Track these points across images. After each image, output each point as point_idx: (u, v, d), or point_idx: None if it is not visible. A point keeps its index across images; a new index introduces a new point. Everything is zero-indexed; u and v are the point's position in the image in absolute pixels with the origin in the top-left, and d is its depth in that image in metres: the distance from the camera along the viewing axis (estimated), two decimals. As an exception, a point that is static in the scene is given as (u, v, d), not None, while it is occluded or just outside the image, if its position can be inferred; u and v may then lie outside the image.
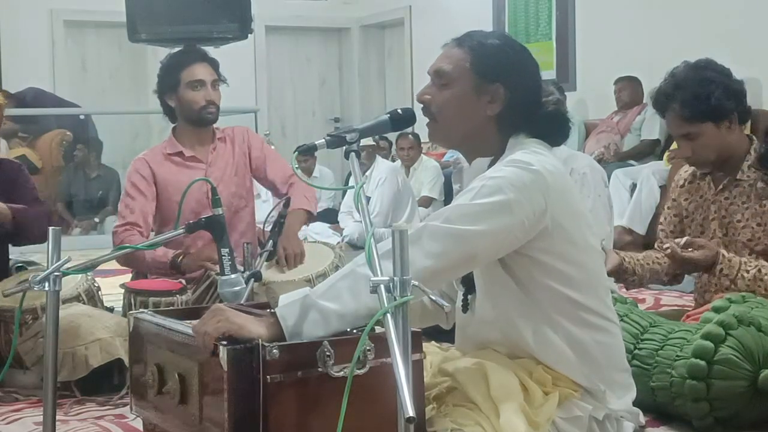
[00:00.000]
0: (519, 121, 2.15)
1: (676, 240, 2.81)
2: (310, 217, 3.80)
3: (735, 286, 2.74)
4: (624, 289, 3.19)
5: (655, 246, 3.14)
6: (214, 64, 3.75)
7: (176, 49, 4.05)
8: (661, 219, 3.15)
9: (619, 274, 2.88)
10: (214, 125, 3.81)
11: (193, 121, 3.73)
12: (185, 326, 2.04)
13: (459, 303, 2.25)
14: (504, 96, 2.13)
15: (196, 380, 1.95)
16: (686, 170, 3.09)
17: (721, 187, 2.92)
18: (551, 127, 2.19)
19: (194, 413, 1.96)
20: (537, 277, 2.08)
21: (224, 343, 1.84)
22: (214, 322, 1.88)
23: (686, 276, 3.08)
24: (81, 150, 9.13)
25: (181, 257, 3.48)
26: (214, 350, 1.85)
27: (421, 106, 2.20)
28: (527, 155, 2.06)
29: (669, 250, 2.75)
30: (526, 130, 2.15)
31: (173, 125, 3.82)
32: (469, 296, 2.21)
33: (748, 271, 2.74)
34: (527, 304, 2.10)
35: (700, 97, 2.78)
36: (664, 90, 2.86)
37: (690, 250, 2.76)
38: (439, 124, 2.18)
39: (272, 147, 4.00)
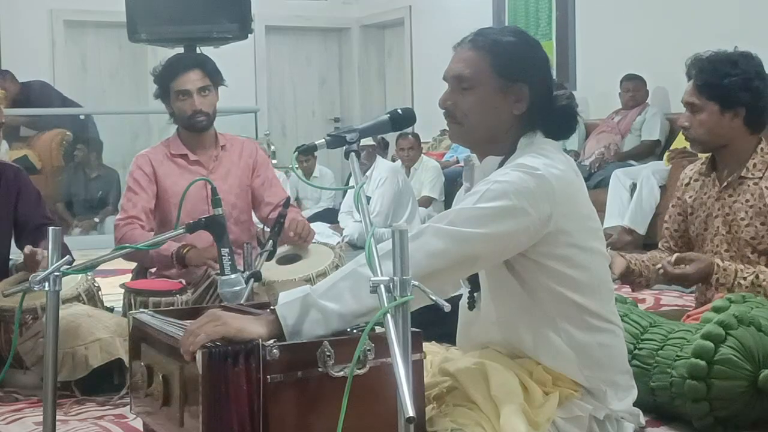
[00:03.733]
0: (539, 117, 2.14)
1: (668, 258, 2.81)
2: None
3: None
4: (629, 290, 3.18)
5: (659, 246, 3.14)
6: (206, 68, 3.70)
7: (174, 53, 4.03)
8: (666, 218, 3.15)
9: (626, 277, 2.87)
10: (218, 132, 3.81)
11: (186, 127, 3.74)
12: (176, 327, 2.03)
13: (465, 300, 2.25)
14: (528, 93, 2.12)
15: (178, 382, 1.94)
16: (692, 168, 3.09)
17: (725, 184, 2.92)
18: (562, 122, 2.19)
19: (176, 415, 1.96)
20: (541, 280, 2.08)
21: (214, 345, 1.83)
22: (211, 326, 1.86)
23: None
24: (81, 150, 9.12)
25: (186, 250, 3.49)
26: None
27: (443, 111, 2.18)
28: (535, 159, 2.05)
29: (662, 270, 2.76)
30: (542, 127, 2.15)
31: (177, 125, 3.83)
32: (476, 294, 2.21)
33: (745, 278, 2.74)
34: (531, 306, 2.09)
35: (717, 74, 2.80)
36: (697, 56, 2.89)
37: (683, 265, 2.76)
38: (464, 127, 2.16)
39: (275, 171, 4.00)
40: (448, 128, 2.21)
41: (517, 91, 2.12)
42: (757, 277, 2.74)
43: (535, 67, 2.14)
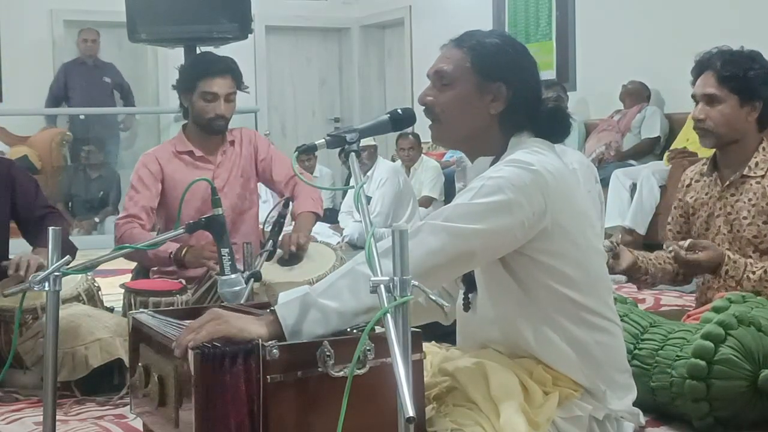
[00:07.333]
0: (521, 119, 2.15)
1: (680, 243, 2.80)
2: (318, 219, 3.82)
3: (741, 287, 2.74)
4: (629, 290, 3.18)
5: (664, 246, 3.14)
6: (236, 76, 3.75)
7: (173, 53, 4.05)
8: (669, 219, 3.15)
9: (633, 272, 2.87)
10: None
11: (202, 127, 3.76)
12: (174, 327, 2.03)
13: (460, 301, 2.25)
14: (506, 94, 2.13)
15: (173, 383, 1.94)
16: (693, 170, 3.10)
17: (728, 183, 2.93)
18: (552, 125, 2.19)
19: (171, 416, 1.95)
20: (537, 276, 2.08)
21: (206, 346, 1.82)
22: (213, 324, 1.86)
23: (692, 276, 3.08)
24: (90, 150, 9.12)
25: (184, 251, 3.50)
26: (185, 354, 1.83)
27: (423, 108, 2.20)
28: (528, 155, 2.06)
29: (673, 253, 2.76)
30: (528, 129, 2.16)
31: (184, 123, 3.85)
32: (471, 295, 2.21)
33: (754, 272, 2.75)
34: (528, 303, 2.09)
35: (742, 66, 2.83)
36: (713, 51, 2.91)
37: (695, 252, 2.76)
38: (442, 124, 2.18)
39: (276, 147, 4.03)
40: (429, 129, 2.22)
41: (495, 90, 2.13)
42: (765, 272, 2.75)
43: (516, 69, 2.15)
